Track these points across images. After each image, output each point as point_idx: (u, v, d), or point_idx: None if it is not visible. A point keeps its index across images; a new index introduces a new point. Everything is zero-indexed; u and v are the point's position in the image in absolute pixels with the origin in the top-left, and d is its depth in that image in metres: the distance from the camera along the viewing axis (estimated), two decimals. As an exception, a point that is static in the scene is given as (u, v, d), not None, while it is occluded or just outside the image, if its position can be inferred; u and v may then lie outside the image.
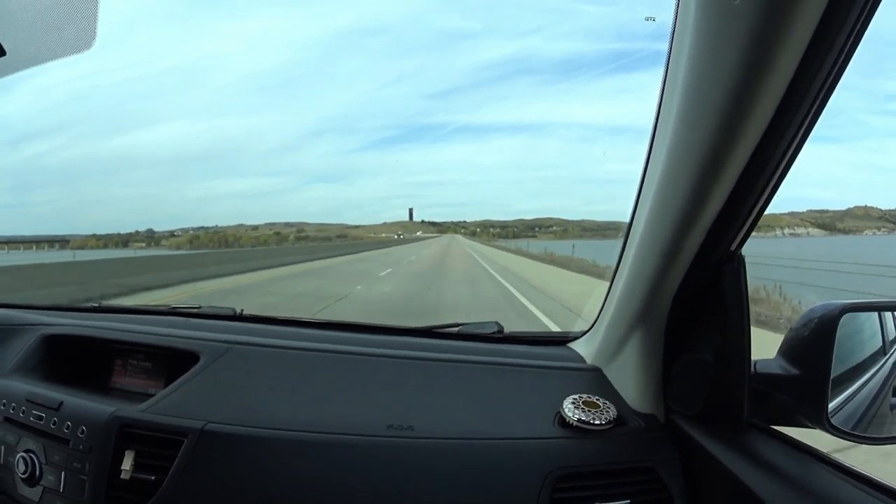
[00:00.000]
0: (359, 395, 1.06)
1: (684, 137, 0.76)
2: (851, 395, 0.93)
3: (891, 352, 1.00)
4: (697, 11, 0.66)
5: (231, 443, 0.93)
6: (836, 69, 0.64)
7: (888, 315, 1.01)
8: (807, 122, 0.70)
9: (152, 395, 1.10)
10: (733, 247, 0.87)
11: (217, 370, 1.10)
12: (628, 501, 0.88)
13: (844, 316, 0.90)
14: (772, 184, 0.77)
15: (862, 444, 0.86)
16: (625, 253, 1.01)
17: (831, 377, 0.81)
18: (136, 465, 0.97)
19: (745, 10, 0.59)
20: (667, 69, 0.78)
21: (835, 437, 0.82)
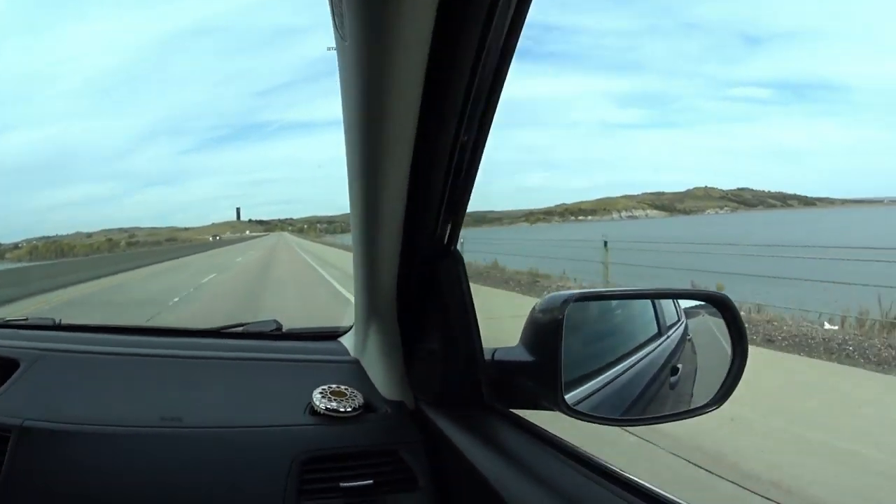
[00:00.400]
0: (141, 392, 1.13)
1: (353, 144, 0.83)
2: (621, 375, 0.97)
3: (665, 335, 1.06)
4: (337, 45, 0.74)
5: (44, 437, 0.98)
6: (470, 73, 0.70)
7: (665, 302, 1.07)
8: (467, 126, 0.77)
9: None
10: (445, 242, 0.95)
11: (34, 375, 1.16)
12: (371, 482, 0.95)
13: (612, 304, 1.02)
14: (454, 181, 0.84)
15: (604, 424, 0.91)
16: (354, 252, 1.07)
17: (562, 361, 0.83)
18: None
19: (351, 46, 0.68)
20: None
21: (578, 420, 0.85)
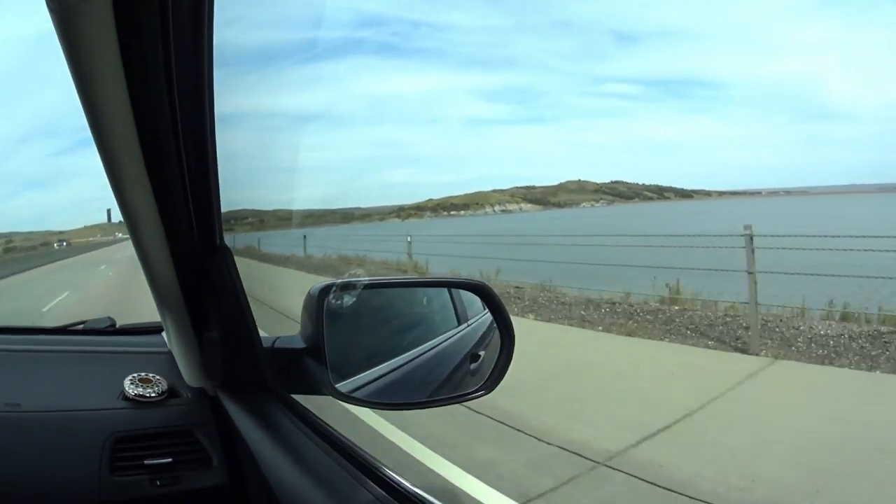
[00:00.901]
0: None
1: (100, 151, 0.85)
2: (414, 360, 1.02)
3: (466, 324, 1.13)
4: None
5: None
6: (156, 66, 0.77)
7: (460, 292, 1.14)
8: (177, 128, 0.83)
9: None
10: (213, 239, 1.00)
11: None
12: (170, 459, 1.03)
13: (417, 293, 1.07)
14: (193, 183, 0.90)
15: (375, 409, 1.01)
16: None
17: (325, 347, 0.87)
18: None
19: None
20: None
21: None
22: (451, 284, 1.14)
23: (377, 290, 1.02)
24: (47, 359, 1.32)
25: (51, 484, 0.99)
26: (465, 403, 1.06)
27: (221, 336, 1.04)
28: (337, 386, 0.87)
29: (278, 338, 0.99)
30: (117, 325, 1.58)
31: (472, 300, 1.14)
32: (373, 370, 0.94)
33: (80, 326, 1.57)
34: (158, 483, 1.02)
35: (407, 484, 0.77)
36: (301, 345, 0.93)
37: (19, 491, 0.97)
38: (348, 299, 0.92)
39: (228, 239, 1.02)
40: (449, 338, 1.10)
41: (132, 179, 0.88)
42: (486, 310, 1.11)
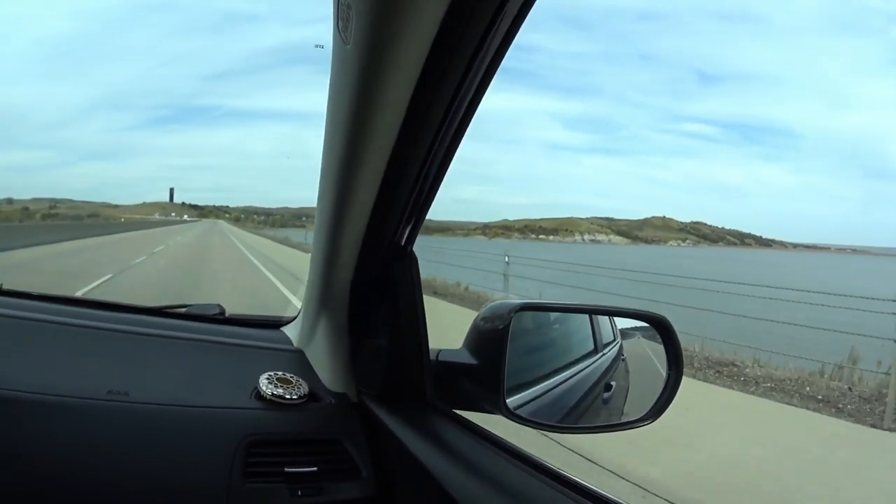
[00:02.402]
0: (87, 364, 1.11)
1: (331, 141, 0.89)
2: (559, 386, 1.03)
3: (602, 352, 1.13)
4: (333, 49, 0.78)
5: None
6: (455, 88, 0.76)
7: (602, 323, 1.14)
8: (438, 132, 0.83)
9: None
10: (403, 243, 1.00)
11: None
12: (315, 468, 0.98)
13: (551, 317, 1.08)
14: (423, 185, 0.91)
15: (547, 431, 1.00)
16: (314, 242, 1.12)
17: (505, 367, 0.88)
18: None
19: (353, 52, 0.73)
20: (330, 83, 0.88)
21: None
22: (630, 315, 1.11)
23: (545, 314, 1.06)
24: (154, 343, 1.24)
25: (171, 489, 0.93)
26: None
27: (391, 343, 1.02)
28: (509, 406, 0.88)
29: (441, 351, 0.99)
30: (227, 314, 1.48)
31: (605, 328, 1.14)
32: (525, 392, 0.96)
33: (183, 310, 1.47)
34: (300, 493, 0.96)
35: (604, 493, 0.76)
36: (470, 361, 0.93)
37: (129, 495, 0.92)
38: (522, 320, 0.93)
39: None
40: (589, 365, 1.11)
41: (365, 179, 0.88)
42: (616, 340, 1.12)
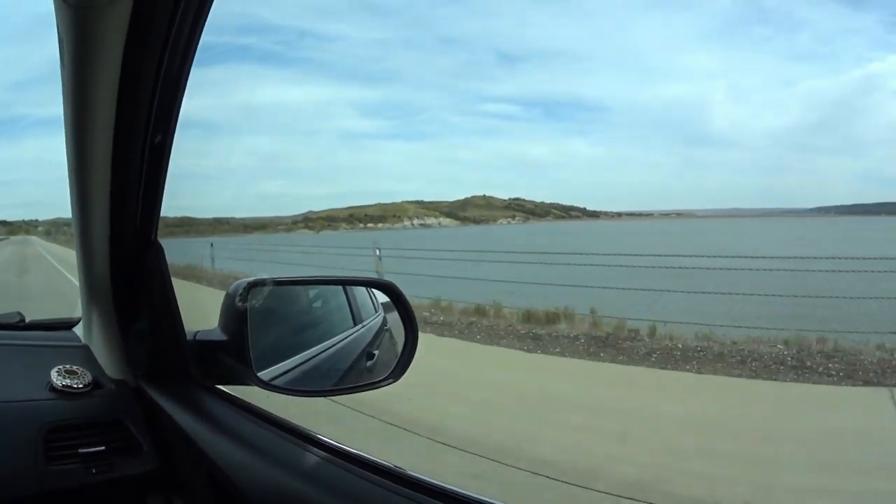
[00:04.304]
0: None
1: (70, 146, 0.99)
2: (316, 357, 1.16)
3: (362, 324, 1.28)
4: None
5: None
6: (147, 99, 0.89)
7: (357, 291, 1.29)
8: (145, 137, 0.94)
9: None
10: (148, 235, 1.10)
11: None
12: (103, 447, 1.07)
13: (311, 292, 1.18)
14: (146, 185, 1.01)
15: (295, 395, 1.11)
16: (75, 245, 1.20)
17: (249, 340, 0.98)
18: None
19: (62, 83, 0.88)
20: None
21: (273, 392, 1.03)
22: (360, 283, 1.26)
23: (286, 288, 1.17)
24: None
25: None
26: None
27: (149, 328, 1.13)
28: (259, 376, 0.99)
29: (199, 331, 1.08)
30: (27, 321, 1.57)
31: (364, 303, 1.29)
32: (283, 363, 1.07)
33: None
34: (94, 471, 1.05)
35: (344, 446, 0.88)
36: (222, 338, 1.03)
37: None
38: (261, 297, 1.03)
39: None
40: (348, 336, 1.25)
41: (97, 175, 0.98)
42: (378, 313, 1.27)
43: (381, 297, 1.26)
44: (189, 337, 1.09)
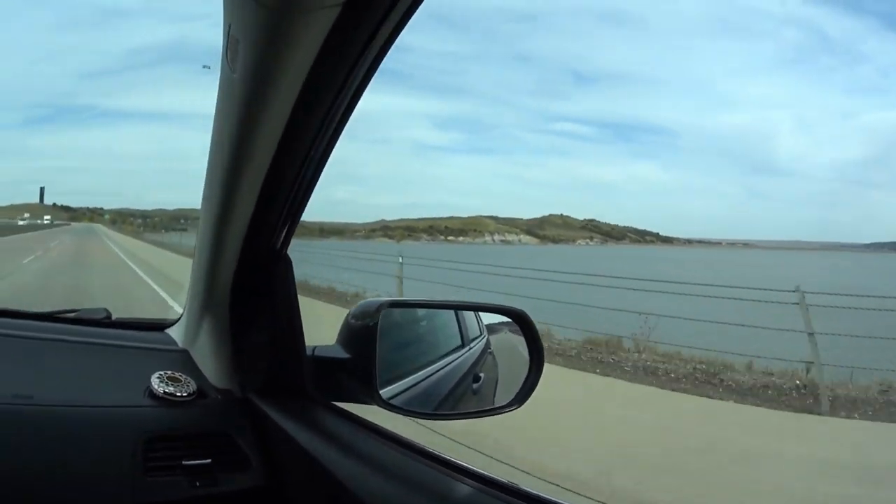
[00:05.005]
0: None
1: (215, 153, 0.96)
2: (427, 378, 1.14)
3: (469, 346, 1.25)
4: (221, 71, 0.85)
5: None
6: (325, 109, 0.85)
7: (467, 315, 1.26)
8: (312, 147, 0.91)
9: None
10: (279, 247, 1.07)
11: None
12: (210, 460, 1.04)
13: (420, 313, 1.16)
14: (297, 195, 0.98)
15: (416, 418, 1.09)
16: (196, 247, 1.18)
17: (377, 360, 0.96)
18: None
19: (238, 81, 0.81)
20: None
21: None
22: (491, 310, 1.21)
23: (409, 310, 1.16)
24: (48, 347, 1.26)
25: (76, 485, 0.96)
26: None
27: (271, 341, 1.09)
28: (382, 397, 0.96)
29: (316, 347, 1.06)
30: (114, 318, 1.50)
31: (471, 324, 1.27)
32: (398, 384, 1.04)
33: (72, 315, 1.48)
34: (197, 484, 1.02)
35: (472, 467, 0.84)
36: (343, 355, 1.00)
37: (38, 493, 0.94)
38: (390, 317, 1.02)
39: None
40: (457, 357, 1.22)
41: (248, 184, 0.94)
42: (483, 335, 1.25)
43: (486, 319, 1.25)
44: (309, 352, 1.06)
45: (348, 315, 1.01)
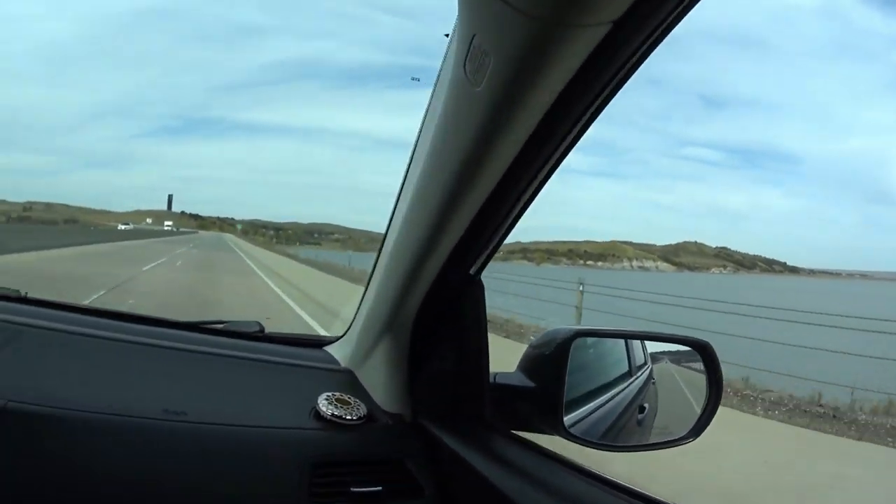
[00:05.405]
0: (138, 381, 1.10)
1: (431, 171, 0.89)
2: (599, 408, 1.11)
3: (638, 374, 1.21)
4: (450, 85, 0.78)
5: (30, 421, 0.92)
6: (566, 130, 0.78)
7: (634, 343, 1.22)
8: (539, 170, 0.84)
9: None
10: (473, 271, 1.03)
11: (11, 352, 1.08)
12: (381, 488, 0.99)
13: (588, 340, 1.11)
14: (509, 219, 0.93)
15: (600, 450, 1.03)
16: (377, 265, 1.14)
17: (565, 390, 0.95)
18: None
19: (483, 96, 0.72)
20: (429, 104, 0.91)
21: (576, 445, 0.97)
22: (675, 340, 1.19)
23: (595, 339, 1.14)
24: (199, 360, 1.21)
25: None
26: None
27: (456, 366, 1.06)
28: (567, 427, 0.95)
29: (497, 373, 1.04)
30: (266, 332, 1.43)
31: (637, 353, 1.22)
32: (575, 413, 1.03)
33: (222, 326, 1.41)
34: None
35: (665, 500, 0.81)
36: (527, 383, 0.98)
37: None
38: (576, 346, 1.00)
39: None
40: (625, 386, 1.18)
41: (465, 207, 0.87)
42: (647, 364, 1.20)
43: (652, 348, 1.19)
44: (490, 379, 1.04)
45: (532, 343, 1.01)
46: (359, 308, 1.24)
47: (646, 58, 0.70)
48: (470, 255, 0.99)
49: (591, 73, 0.68)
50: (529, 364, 1.00)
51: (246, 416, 1.05)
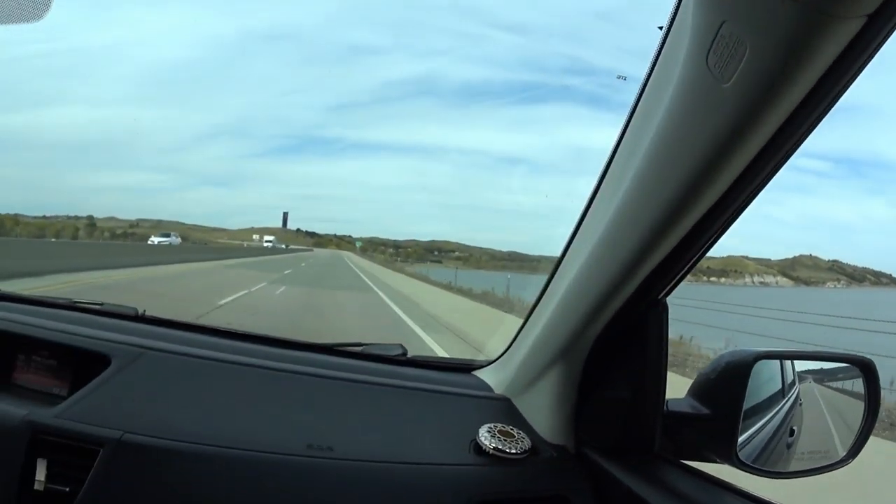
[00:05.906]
0: (275, 411, 1.04)
1: (640, 196, 0.80)
2: (754, 433, 1.04)
3: (788, 395, 1.14)
4: (681, 83, 0.69)
5: (148, 455, 0.88)
6: (797, 141, 0.69)
7: (787, 366, 1.15)
8: (764, 179, 0.74)
9: (58, 396, 1.04)
10: (661, 294, 0.94)
11: (130, 376, 1.03)
12: None
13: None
14: (714, 238, 0.84)
15: (766, 477, 0.98)
16: (549, 289, 1.06)
17: (741, 417, 0.90)
18: (48, 475, 0.88)
19: (733, 92, 0.64)
20: (628, 123, 0.83)
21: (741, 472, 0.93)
22: (836, 358, 1.13)
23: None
24: (340, 387, 1.12)
25: None
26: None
27: (633, 394, 0.97)
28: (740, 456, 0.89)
29: (669, 400, 0.96)
30: (409, 356, 1.34)
31: (788, 373, 1.15)
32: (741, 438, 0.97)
33: (359, 349, 1.32)
34: None
35: None
36: (702, 410, 0.91)
37: None
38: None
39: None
40: (779, 409, 1.13)
41: (682, 221, 0.77)
42: (796, 385, 1.13)
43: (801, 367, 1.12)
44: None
45: (707, 367, 0.93)
46: (518, 333, 1.17)
47: (873, 56, 0.61)
48: (665, 280, 0.90)
49: (838, 70, 0.60)
50: (703, 390, 0.93)
51: (398, 450, 0.99)
